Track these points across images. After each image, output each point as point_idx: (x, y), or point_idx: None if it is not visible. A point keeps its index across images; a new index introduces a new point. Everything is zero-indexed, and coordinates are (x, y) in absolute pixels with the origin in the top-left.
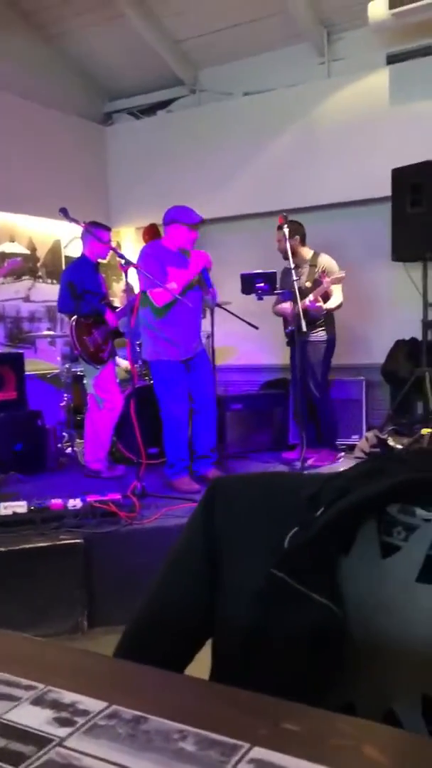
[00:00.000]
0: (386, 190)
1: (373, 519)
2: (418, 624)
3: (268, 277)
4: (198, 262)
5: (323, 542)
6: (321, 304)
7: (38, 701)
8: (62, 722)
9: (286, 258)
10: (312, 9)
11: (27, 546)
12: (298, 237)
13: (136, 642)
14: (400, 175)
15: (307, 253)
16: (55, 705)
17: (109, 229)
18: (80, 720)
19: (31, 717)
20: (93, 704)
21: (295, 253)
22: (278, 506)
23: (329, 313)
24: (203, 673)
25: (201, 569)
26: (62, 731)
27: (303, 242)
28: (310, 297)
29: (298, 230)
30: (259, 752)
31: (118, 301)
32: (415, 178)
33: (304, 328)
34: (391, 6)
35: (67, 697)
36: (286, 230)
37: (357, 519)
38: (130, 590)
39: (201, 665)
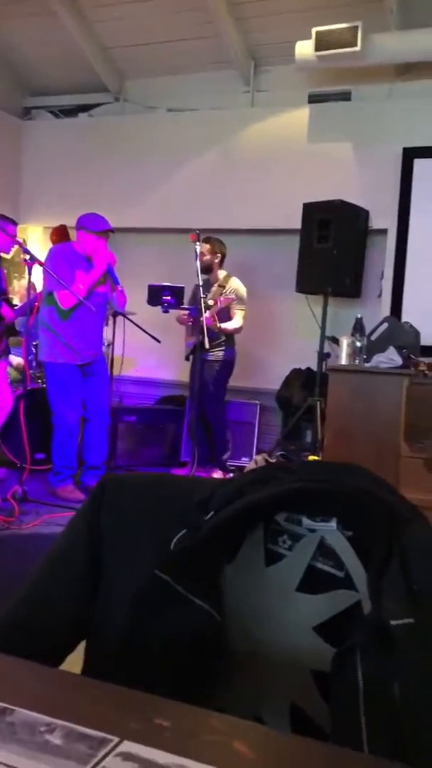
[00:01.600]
0: (296, 223)
1: (260, 527)
2: (293, 633)
3: (176, 291)
4: (101, 260)
5: (209, 547)
6: (216, 322)
7: None
8: None
9: (204, 272)
10: (242, 38)
11: None
12: (219, 255)
13: (9, 636)
14: (310, 210)
15: (221, 274)
16: None
17: (15, 223)
18: None
19: None
20: None
21: (211, 270)
22: (168, 507)
23: (227, 333)
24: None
25: (83, 565)
26: None
27: (221, 263)
28: (207, 313)
29: (221, 249)
30: (129, 746)
31: (17, 299)
32: (324, 214)
33: (207, 345)
34: (317, 48)
35: None
36: (197, 247)
37: (244, 525)
38: (3, 595)
39: (71, 667)
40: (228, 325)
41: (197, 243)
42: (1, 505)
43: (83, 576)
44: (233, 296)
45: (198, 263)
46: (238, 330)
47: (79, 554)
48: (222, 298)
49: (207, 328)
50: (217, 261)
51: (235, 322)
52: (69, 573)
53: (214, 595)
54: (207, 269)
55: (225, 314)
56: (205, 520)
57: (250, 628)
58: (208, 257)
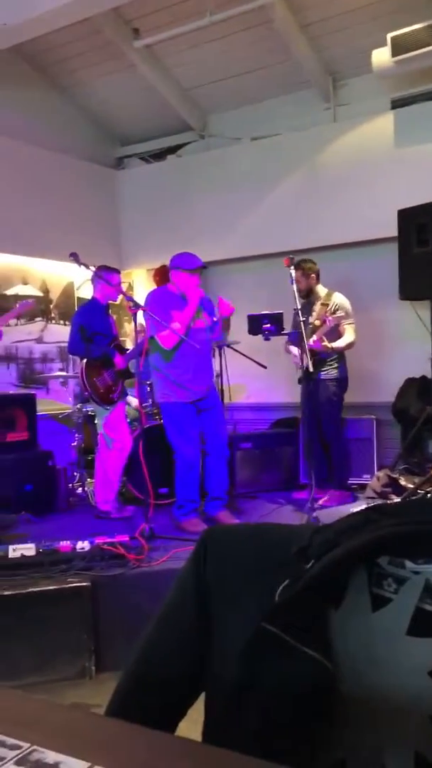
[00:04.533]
0: (392, 231)
1: (363, 571)
2: (409, 678)
3: (275, 318)
4: (194, 296)
5: (313, 595)
6: (326, 343)
7: (22, 761)
8: None
9: (304, 297)
10: (317, 57)
11: (34, 589)
12: (313, 275)
13: (127, 699)
14: (406, 216)
15: (321, 291)
16: (39, 765)
17: (118, 272)
18: None
19: None
20: (75, 764)
21: (311, 291)
22: (269, 558)
23: (339, 351)
24: (197, 728)
25: (191, 624)
26: None
27: (318, 280)
28: (314, 337)
29: (312, 268)
30: None
31: (129, 342)
32: (421, 218)
33: (311, 368)
34: (394, 53)
35: (51, 757)
36: (292, 272)
37: (346, 571)
38: (138, 634)
39: (192, 723)
40: (340, 343)
41: (291, 267)
42: (131, 543)
43: (194, 631)
44: (343, 313)
45: (294, 287)
46: (351, 345)
47: (188, 610)
48: (331, 318)
49: (317, 351)
50: (312, 281)
51: (347, 338)
52: (180, 629)
53: (323, 643)
54: (308, 292)
55: (335, 331)
56: (306, 568)
57: (362, 675)
58: (302, 282)
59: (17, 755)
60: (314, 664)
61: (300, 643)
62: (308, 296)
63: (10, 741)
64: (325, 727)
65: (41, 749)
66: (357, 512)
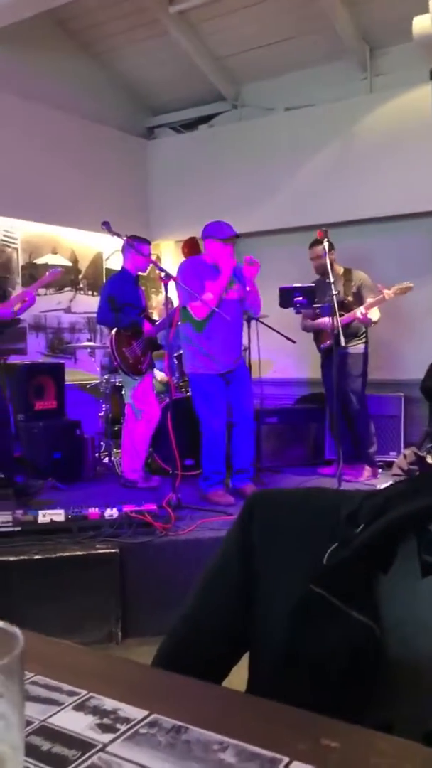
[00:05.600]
0: (429, 205)
1: (413, 537)
2: None
3: (307, 291)
4: (227, 265)
5: (363, 560)
6: (371, 316)
7: (80, 707)
8: (104, 728)
9: (322, 273)
10: (355, 25)
11: (63, 554)
12: (334, 252)
13: (172, 656)
14: None
15: (339, 268)
16: (97, 711)
17: (149, 243)
18: (122, 727)
19: (74, 722)
20: (134, 712)
21: (331, 268)
22: (317, 522)
23: (367, 324)
24: (239, 686)
25: (237, 583)
26: (104, 737)
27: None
28: (362, 309)
29: (333, 246)
30: (299, 766)
31: (156, 314)
32: None
33: (343, 342)
34: None
35: (109, 704)
36: (326, 245)
37: (396, 537)
38: (164, 602)
39: (236, 678)
40: (375, 314)
41: (325, 240)
42: (158, 512)
43: (240, 591)
44: (410, 284)
45: (327, 260)
46: (378, 320)
47: (234, 570)
48: (393, 289)
49: (348, 325)
50: (334, 257)
51: (377, 313)
52: (225, 589)
53: (371, 607)
54: (324, 270)
55: (360, 305)
56: (356, 533)
57: (410, 640)
58: (327, 257)
59: (75, 701)
60: (362, 627)
61: (348, 606)
62: (327, 273)
63: (67, 687)
64: (372, 689)
65: (98, 696)
66: (407, 479)
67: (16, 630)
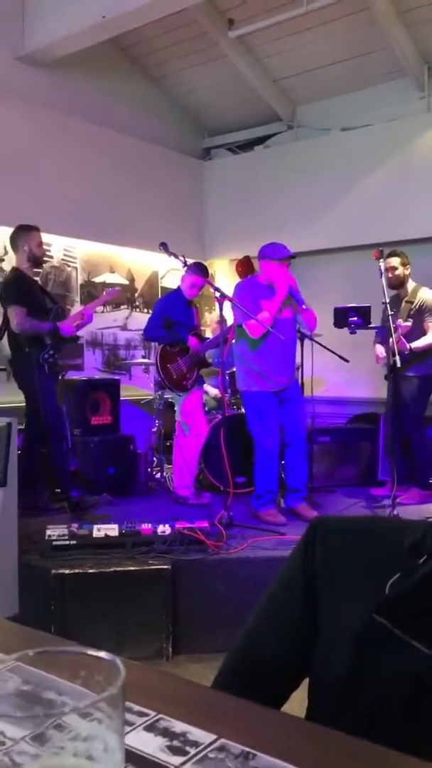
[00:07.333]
0: None
1: None
2: None
3: (362, 311)
4: (282, 284)
5: (425, 591)
6: (404, 345)
7: (151, 728)
8: (174, 751)
9: (396, 288)
10: (414, 44)
11: (117, 569)
12: (409, 267)
13: (231, 678)
14: None
15: (410, 286)
16: (167, 733)
17: (205, 275)
18: (191, 750)
19: (145, 743)
20: (202, 735)
21: (404, 284)
22: (379, 550)
23: (423, 350)
24: (298, 711)
25: (298, 608)
26: (175, 759)
27: (410, 275)
28: (394, 336)
29: (408, 260)
30: None
31: (210, 332)
32: None
33: (398, 364)
34: None
35: (178, 726)
36: (382, 264)
37: None
38: (214, 619)
39: (295, 703)
40: (420, 343)
41: (381, 260)
42: (210, 530)
43: (301, 616)
44: (427, 312)
45: (383, 280)
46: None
47: (295, 595)
48: (403, 325)
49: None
50: (408, 273)
51: (429, 337)
52: (287, 613)
53: None
54: (400, 284)
55: (419, 329)
56: (419, 564)
57: None
58: (399, 270)
59: (145, 722)
60: (424, 659)
61: (410, 637)
62: (399, 287)
63: (137, 707)
64: (429, 722)
65: (167, 718)
66: None
67: (117, 660)
